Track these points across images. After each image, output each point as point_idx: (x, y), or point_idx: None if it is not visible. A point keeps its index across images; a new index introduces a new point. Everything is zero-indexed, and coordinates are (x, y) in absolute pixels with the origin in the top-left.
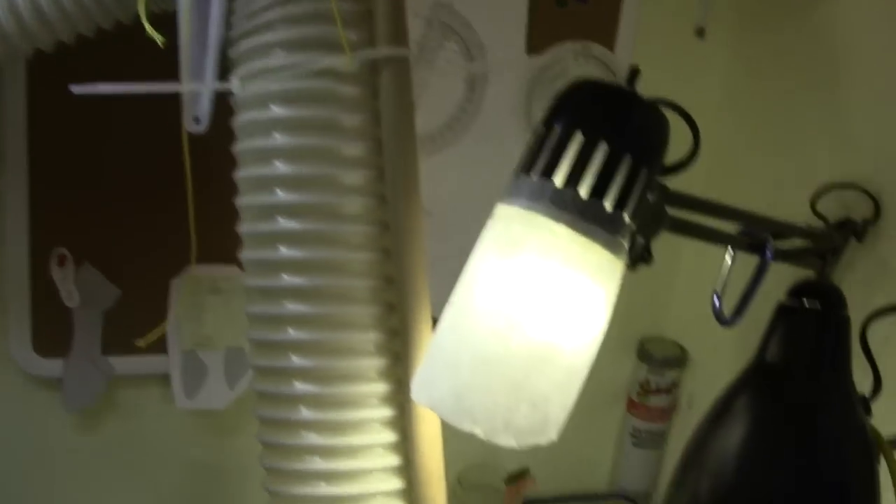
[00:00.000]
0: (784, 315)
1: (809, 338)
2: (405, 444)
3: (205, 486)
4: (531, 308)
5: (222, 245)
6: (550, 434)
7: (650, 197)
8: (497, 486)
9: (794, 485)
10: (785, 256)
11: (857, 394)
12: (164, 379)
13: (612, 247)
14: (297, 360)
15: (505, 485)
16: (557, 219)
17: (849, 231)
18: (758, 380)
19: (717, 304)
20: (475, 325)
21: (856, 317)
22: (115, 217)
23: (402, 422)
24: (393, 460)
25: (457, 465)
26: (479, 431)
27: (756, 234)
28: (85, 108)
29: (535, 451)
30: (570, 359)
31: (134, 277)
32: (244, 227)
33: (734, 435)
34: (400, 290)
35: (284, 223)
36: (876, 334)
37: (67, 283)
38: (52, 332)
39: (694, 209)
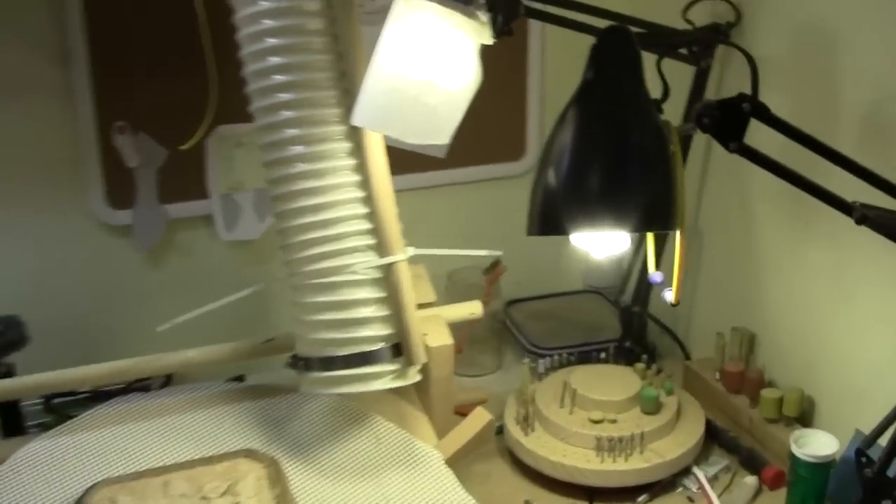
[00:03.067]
0: (595, 51)
1: (611, 61)
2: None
3: (246, 305)
4: (416, 51)
5: (243, 108)
6: (443, 137)
7: None
8: (479, 282)
9: (610, 157)
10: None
11: (650, 98)
12: (209, 219)
13: (469, 14)
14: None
15: (483, 275)
16: None
17: (715, 31)
18: (581, 95)
19: None
20: (383, 68)
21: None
22: (161, 93)
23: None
24: (353, 164)
25: (448, 267)
26: (394, 134)
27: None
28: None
29: (518, 259)
30: (450, 86)
31: (178, 140)
32: (243, 52)
33: (567, 134)
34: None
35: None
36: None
37: (128, 148)
38: (119, 188)
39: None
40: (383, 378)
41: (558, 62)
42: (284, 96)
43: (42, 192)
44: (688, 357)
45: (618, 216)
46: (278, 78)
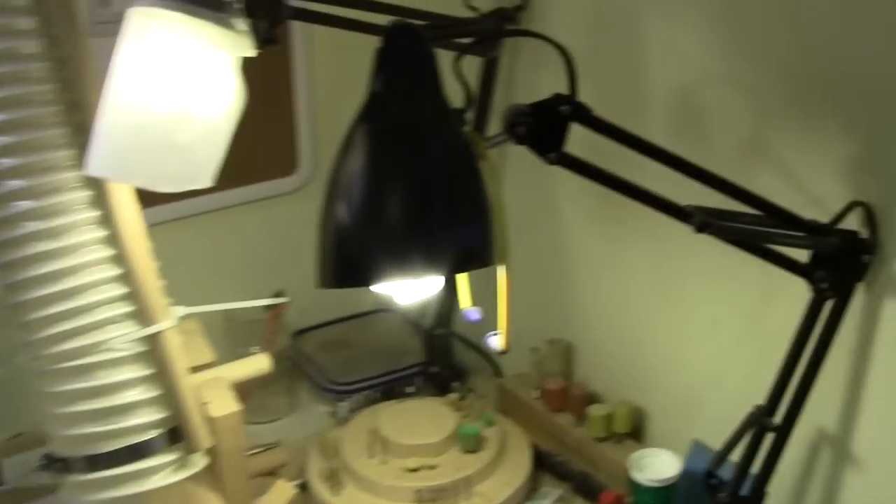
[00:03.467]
0: (381, 56)
1: (402, 67)
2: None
3: None
4: (161, 77)
5: None
6: (205, 179)
7: None
8: (261, 317)
9: (412, 187)
10: (455, 46)
11: (451, 107)
12: None
13: (223, 24)
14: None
15: (265, 310)
16: (170, 7)
17: (502, 17)
18: (369, 110)
19: None
20: (120, 101)
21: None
22: None
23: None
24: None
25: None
26: (141, 184)
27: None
28: None
29: (301, 283)
30: (207, 115)
31: None
32: None
33: (356, 160)
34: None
35: None
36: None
37: None
38: None
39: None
40: (161, 472)
41: (328, 63)
42: (1, 140)
43: None
44: (500, 374)
45: (429, 259)
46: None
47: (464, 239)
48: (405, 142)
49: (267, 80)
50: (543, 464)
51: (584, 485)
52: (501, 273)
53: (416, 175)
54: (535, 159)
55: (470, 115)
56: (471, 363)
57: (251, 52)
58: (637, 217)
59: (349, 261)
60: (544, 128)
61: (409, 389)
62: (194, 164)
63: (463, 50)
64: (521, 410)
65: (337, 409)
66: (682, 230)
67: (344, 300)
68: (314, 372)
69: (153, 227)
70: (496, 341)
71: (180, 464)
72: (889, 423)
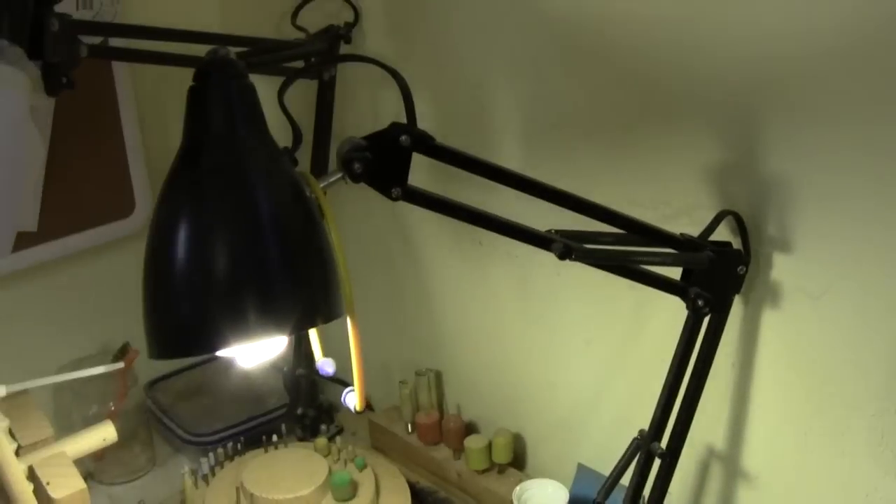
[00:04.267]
0: (195, 96)
1: (219, 106)
2: None
3: None
4: None
5: None
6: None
7: (53, 27)
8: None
9: (243, 242)
10: (283, 71)
11: (278, 147)
12: None
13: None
14: None
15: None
16: None
17: (334, 36)
18: (186, 157)
19: None
20: None
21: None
22: None
23: None
24: None
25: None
26: None
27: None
28: None
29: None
30: None
31: None
32: None
33: (177, 215)
34: None
35: None
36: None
37: None
38: None
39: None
40: None
41: (156, 95)
42: None
43: None
44: (371, 409)
45: (270, 319)
46: None
47: (305, 293)
48: (229, 190)
49: (92, 118)
50: (424, 502)
51: None
52: (349, 326)
53: (244, 227)
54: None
55: (298, 153)
56: (339, 399)
57: (43, 99)
58: (497, 238)
59: (180, 327)
60: (385, 162)
61: (275, 437)
62: None
63: (291, 76)
64: (395, 447)
65: (199, 465)
66: (542, 256)
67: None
68: (173, 424)
69: None
70: (352, 398)
71: None
72: (777, 434)
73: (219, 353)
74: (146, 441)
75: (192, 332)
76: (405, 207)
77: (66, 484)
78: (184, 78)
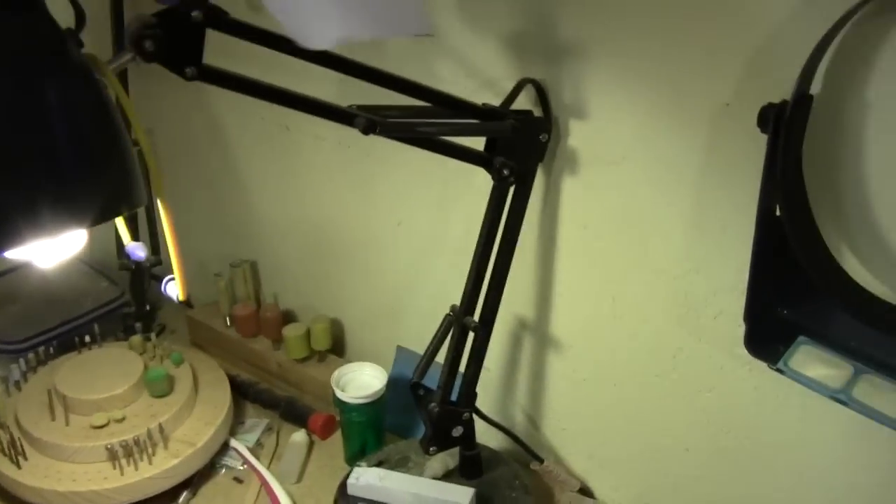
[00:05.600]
0: None
1: None
2: None
3: None
4: None
5: None
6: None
7: None
8: None
9: (28, 132)
10: None
11: (62, 30)
12: None
13: None
14: None
15: None
16: None
17: None
18: None
19: None
20: None
21: None
22: None
23: None
24: None
25: None
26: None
27: None
28: None
29: None
30: None
31: None
32: None
33: None
34: None
35: None
36: None
37: None
38: None
39: None
40: None
41: None
42: None
43: None
44: (189, 305)
45: (67, 212)
46: None
47: (102, 181)
48: (11, 76)
49: None
50: (245, 394)
51: (291, 410)
52: (162, 212)
53: (31, 116)
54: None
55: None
56: (158, 298)
57: None
58: (304, 122)
59: None
60: (177, 39)
61: (87, 339)
62: None
63: None
64: (214, 342)
65: (9, 372)
66: (355, 132)
67: None
68: None
69: None
70: (174, 288)
71: None
72: (584, 302)
73: (12, 254)
74: None
75: None
76: (210, 93)
77: None
78: None
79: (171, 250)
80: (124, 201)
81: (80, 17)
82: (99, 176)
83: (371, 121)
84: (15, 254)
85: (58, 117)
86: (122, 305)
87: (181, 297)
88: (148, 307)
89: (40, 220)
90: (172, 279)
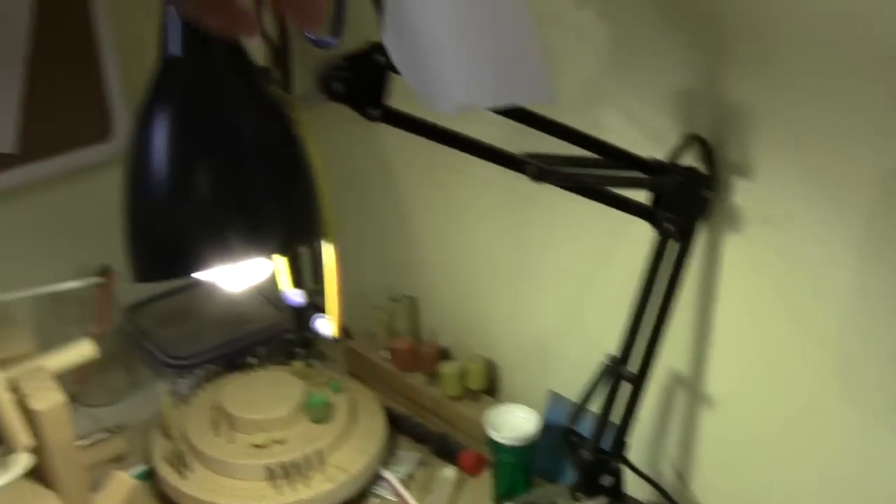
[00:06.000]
0: (170, 10)
1: (194, 28)
2: None
3: None
4: None
5: None
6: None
7: None
8: (90, 294)
9: (223, 165)
10: None
11: (257, 66)
12: None
13: None
14: None
15: (95, 288)
16: None
17: None
18: (164, 78)
19: None
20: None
21: None
22: None
23: None
24: None
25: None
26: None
27: None
28: None
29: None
30: None
31: None
32: None
33: (155, 138)
34: None
35: None
36: None
37: None
38: None
39: None
40: None
41: (132, 13)
42: None
43: None
44: (348, 335)
45: (251, 240)
46: None
47: (288, 214)
48: (209, 110)
49: (66, 37)
50: (399, 427)
51: (443, 446)
52: (328, 250)
53: (225, 147)
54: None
55: (276, 73)
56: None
57: None
58: (473, 165)
59: (161, 250)
60: (362, 81)
61: (251, 360)
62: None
63: None
64: (371, 373)
65: (178, 386)
66: (520, 180)
67: None
68: (153, 347)
69: None
70: (326, 326)
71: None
72: (739, 360)
73: (202, 277)
74: (127, 365)
75: (173, 254)
76: (382, 132)
77: (47, 397)
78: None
79: (331, 289)
80: (306, 235)
81: (277, 55)
82: (285, 209)
83: (542, 168)
84: (203, 276)
85: (251, 150)
86: (284, 332)
87: (335, 335)
88: (308, 335)
89: (228, 248)
90: (323, 316)
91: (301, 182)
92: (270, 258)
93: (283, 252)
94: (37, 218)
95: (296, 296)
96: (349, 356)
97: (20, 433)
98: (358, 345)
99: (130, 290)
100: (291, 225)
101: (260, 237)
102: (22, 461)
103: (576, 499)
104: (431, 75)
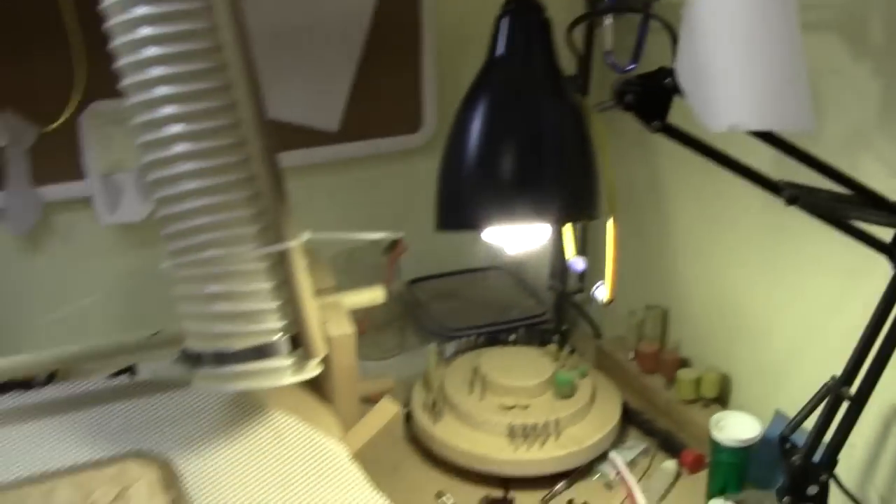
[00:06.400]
0: (500, 24)
1: (520, 35)
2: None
3: (134, 291)
4: None
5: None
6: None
7: None
8: (379, 262)
9: (524, 144)
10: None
11: (565, 75)
12: (88, 201)
13: None
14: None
15: (383, 254)
16: None
17: None
18: (487, 72)
19: None
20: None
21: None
22: (27, 70)
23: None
24: (235, 142)
25: (346, 247)
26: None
27: None
28: None
29: (419, 236)
30: None
31: (49, 118)
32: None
33: (474, 119)
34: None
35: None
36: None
37: None
38: None
39: None
40: (280, 373)
41: (453, 24)
42: (158, 71)
43: None
44: (598, 335)
45: (537, 207)
46: (152, 50)
47: (570, 191)
48: (520, 100)
49: (395, 37)
50: (631, 420)
51: (667, 442)
52: (610, 227)
53: (528, 129)
54: (639, 131)
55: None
56: (574, 322)
57: None
58: (736, 192)
59: (464, 207)
60: (651, 97)
61: (511, 338)
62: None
63: (580, 18)
64: (615, 370)
65: (444, 348)
66: (776, 208)
67: (458, 255)
68: (425, 317)
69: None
70: (602, 291)
71: (297, 368)
72: None
73: (489, 234)
74: (400, 328)
75: (473, 212)
76: (657, 155)
77: (340, 326)
78: (484, 20)
79: (609, 257)
80: (584, 211)
81: (582, 68)
82: (569, 187)
83: (795, 194)
84: (489, 236)
85: (549, 135)
86: (543, 322)
87: (607, 299)
88: (565, 327)
89: (515, 210)
90: (601, 284)
91: (587, 169)
92: (550, 227)
93: (561, 222)
94: (347, 189)
95: (578, 263)
96: (598, 353)
97: (319, 342)
98: (607, 344)
99: (414, 266)
100: (573, 201)
101: (545, 207)
102: (314, 367)
103: (782, 503)
104: (709, 96)
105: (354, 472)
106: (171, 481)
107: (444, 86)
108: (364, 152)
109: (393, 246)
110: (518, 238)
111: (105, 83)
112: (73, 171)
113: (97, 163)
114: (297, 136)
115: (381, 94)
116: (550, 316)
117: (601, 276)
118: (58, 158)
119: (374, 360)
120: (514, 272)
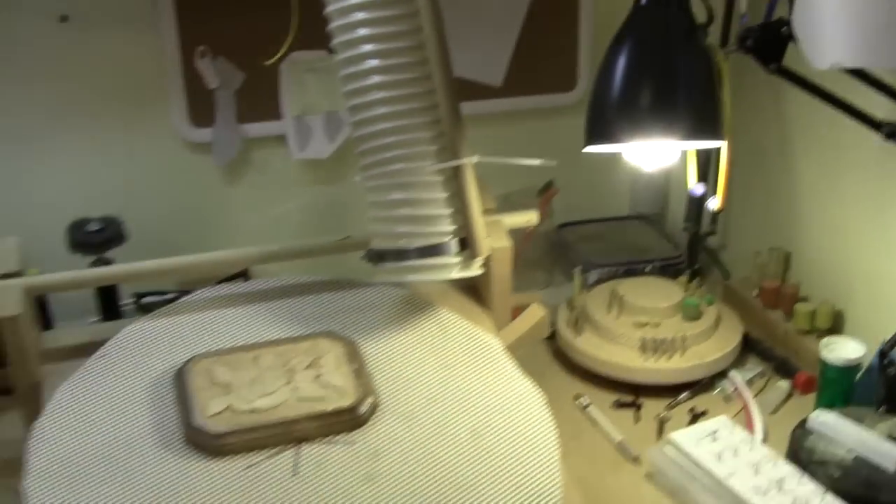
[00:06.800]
0: None
1: None
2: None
3: (316, 219)
4: None
5: (318, 34)
6: None
7: None
8: (532, 204)
9: (659, 77)
10: None
11: (696, 22)
12: (282, 139)
13: None
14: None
15: (537, 197)
16: None
17: None
18: (632, 19)
19: None
20: None
21: None
22: (239, 20)
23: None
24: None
25: (503, 189)
26: None
27: None
28: None
29: (569, 185)
30: None
31: (254, 65)
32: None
33: (620, 56)
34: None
35: None
36: None
37: (208, 71)
38: (200, 108)
39: None
40: (450, 268)
41: None
42: (364, 31)
43: (132, 111)
44: (727, 276)
45: (667, 126)
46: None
47: (696, 116)
48: (658, 46)
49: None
50: (752, 347)
51: (783, 366)
52: (724, 148)
53: (662, 70)
54: (769, 87)
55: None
56: (707, 266)
57: None
58: (853, 140)
59: (606, 127)
60: (769, 43)
61: (647, 268)
62: None
63: None
64: (740, 305)
65: (587, 276)
66: (890, 154)
67: (603, 205)
68: (572, 256)
69: None
70: (714, 202)
71: (464, 266)
72: None
73: (629, 153)
74: (547, 265)
75: (614, 131)
76: (780, 105)
77: (499, 241)
78: None
79: (721, 175)
80: (708, 133)
81: (709, 18)
82: (694, 114)
83: (894, 129)
84: (626, 153)
85: (682, 73)
86: (677, 264)
87: (718, 207)
88: (697, 267)
89: (650, 130)
90: (714, 196)
91: (711, 101)
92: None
93: (686, 138)
94: (504, 141)
95: (699, 188)
96: (726, 291)
97: (482, 244)
98: (734, 283)
99: (563, 213)
100: (697, 124)
101: (675, 126)
102: (477, 266)
103: (877, 410)
104: (817, 39)
105: (507, 361)
106: (354, 356)
107: (598, 49)
108: (519, 107)
109: (545, 189)
110: (653, 154)
111: (306, 37)
112: (272, 111)
113: (292, 106)
114: (463, 89)
115: (540, 53)
116: (684, 259)
117: (728, 221)
118: (259, 100)
119: (523, 293)
120: (654, 221)
